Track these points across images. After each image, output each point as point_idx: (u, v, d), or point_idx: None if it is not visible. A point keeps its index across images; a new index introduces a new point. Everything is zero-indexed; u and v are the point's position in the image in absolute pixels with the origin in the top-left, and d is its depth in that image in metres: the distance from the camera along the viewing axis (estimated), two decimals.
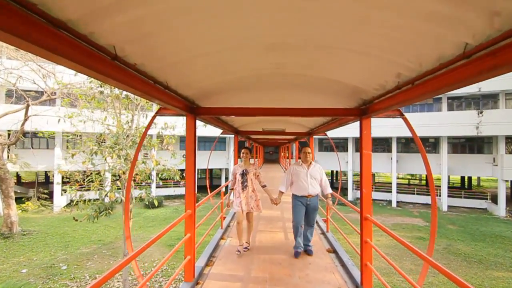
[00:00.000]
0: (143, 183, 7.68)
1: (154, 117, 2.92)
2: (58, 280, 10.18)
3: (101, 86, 7.04)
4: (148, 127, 2.89)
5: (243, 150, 3.85)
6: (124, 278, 7.78)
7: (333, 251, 3.90)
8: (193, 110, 2.91)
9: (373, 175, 28.10)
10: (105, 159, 6.49)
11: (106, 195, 6.23)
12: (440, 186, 21.05)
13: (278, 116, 2.87)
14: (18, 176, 26.80)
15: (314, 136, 7.11)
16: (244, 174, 3.81)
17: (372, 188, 25.08)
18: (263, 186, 3.89)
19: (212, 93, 2.93)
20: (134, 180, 7.34)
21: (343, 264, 3.44)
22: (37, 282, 10.03)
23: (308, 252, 3.80)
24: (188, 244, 2.80)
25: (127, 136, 7.23)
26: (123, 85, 1.66)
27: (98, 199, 6.35)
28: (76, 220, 6.25)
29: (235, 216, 5.13)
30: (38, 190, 19.57)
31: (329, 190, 3.74)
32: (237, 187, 3.83)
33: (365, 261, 2.69)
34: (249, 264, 3.44)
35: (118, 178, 6.94)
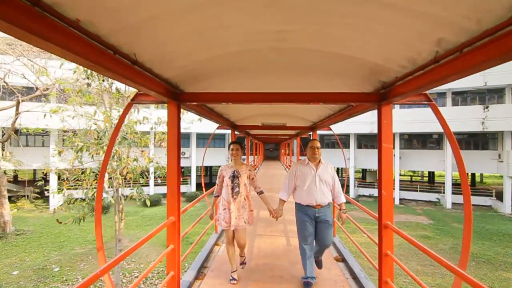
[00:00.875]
0: (140, 181, 7.20)
1: (129, 106, 2.43)
2: (50, 283, 9.77)
3: (88, 78, 6.53)
4: (122, 118, 2.40)
5: (232, 146, 2.92)
6: (116, 284, 7.34)
7: (342, 259, 3.43)
8: (176, 96, 2.41)
9: (375, 172, 27.66)
10: (92, 156, 6.01)
11: (93, 195, 5.76)
12: (443, 183, 20.60)
13: (279, 103, 2.38)
14: (15, 174, 26.40)
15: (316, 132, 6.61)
16: (234, 177, 2.85)
17: (375, 185, 24.78)
18: (260, 193, 2.96)
19: (200, 76, 2.43)
20: (125, 179, 6.87)
21: (354, 277, 2.97)
22: (27, 285, 9.62)
23: (317, 264, 3.02)
24: (171, 257, 2.32)
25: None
26: (60, 49, 1.16)
27: (84, 199, 5.89)
28: (60, 223, 5.80)
29: (223, 235, 3.98)
30: (29, 189, 19.14)
31: (342, 199, 2.83)
32: (225, 195, 2.86)
33: (385, 277, 2.21)
34: (247, 277, 2.97)
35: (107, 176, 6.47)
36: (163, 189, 23.15)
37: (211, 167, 30.64)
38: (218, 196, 3.01)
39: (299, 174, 2.82)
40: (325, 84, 2.60)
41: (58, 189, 6.08)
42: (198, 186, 25.28)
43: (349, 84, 2.52)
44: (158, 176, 7.51)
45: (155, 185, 23.48)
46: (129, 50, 1.65)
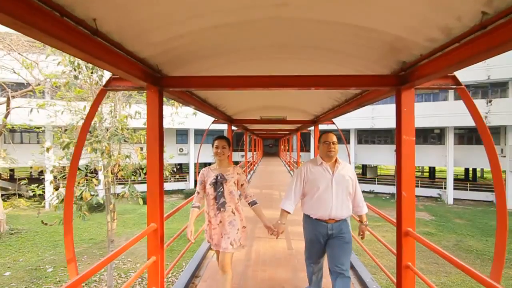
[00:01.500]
0: (133, 179, 6.84)
1: (101, 92, 2.05)
2: (42, 284, 9.47)
3: (74, 70, 6.11)
4: (94, 107, 2.03)
5: (216, 142, 2.19)
6: (109, 286, 7.02)
7: (350, 267, 3.08)
8: (157, 80, 2.04)
9: (375, 167, 27.37)
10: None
11: (80, 194, 5.40)
12: (445, 178, 20.33)
13: (280, 89, 2.00)
14: (11, 173, 26.01)
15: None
16: (218, 184, 2.14)
17: (375, 181, 24.51)
18: (252, 204, 2.22)
19: (185, 56, 2.05)
20: (116, 177, 6.50)
21: None
22: (19, 287, 9.33)
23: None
24: (152, 272, 1.96)
25: (107, 128, 6.35)
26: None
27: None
28: (46, 224, 5.45)
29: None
30: (20, 188, 18.80)
31: (364, 210, 2.20)
32: (207, 207, 2.19)
33: None
34: (243, 286, 2.63)
35: (95, 175, 6.11)
36: (165, 186, 22.80)
37: (209, 163, 30.31)
38: (197, 207, 2.24)
39: (310, 178, 2.08)
40: (332, 68, 2.22)
41: (38, 188, 5.69)
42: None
43: (361, 67, 2.14)
44: None
45: (165, 180, 23.16)
46: (85, 14, 1.27)
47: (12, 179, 24.56)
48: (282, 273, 2.93)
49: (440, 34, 1.51)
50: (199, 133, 24.91)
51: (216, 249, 2.16)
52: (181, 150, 24.10)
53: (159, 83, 2.03)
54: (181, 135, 24.84)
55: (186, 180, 24.85)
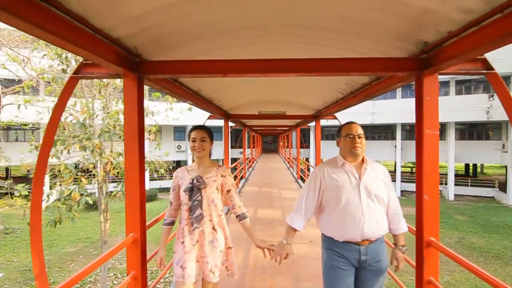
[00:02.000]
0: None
1: (71, 81, 1.75)
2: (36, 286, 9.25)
3: (62, 63, 5.78)
4: (63, 97, 1.73)
5: (193, 134, 1.67)
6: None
7: None
8: (135, 66, 1.74)
9: None
10: (68, 151, 5.34)
11: (69, 194, 5.12)
12: (446, 174, 20.15)
13: (281, 75, 1.70)
14: (7, 170, 25.71)
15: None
16: (194, 190, 1.61)
17: None
18: (240, 218, 1.70)
19: (168, 37, 1.75)
20: (109, 175, 6.21)
21: None
22: None
23: None
24: None
25: (98, 124, 6.05)
26: None
27: (59, 199, 5.24)
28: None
29: None
30: (11, 187, 18.55)
31: (403, 227, 1.59)
32: (182, 220, 1.64)
33: None
34: None
35: (86, 173, 5.81)
36: (159, 184, 22.53)
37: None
38: (170, 224, 1.69)
39: (329, 185, 1.53)
40: (338, 53, 1.92)
41: (26, 189, 5.41)
42: None
43: (368, 50, 1.84)
44: (155, 171, 6.87)
45: (150, 179, 22.87)
46: None
47: (8, 177, 24.27)
48: (283, 282, 2.67)
49: (479, 1, 1.21)
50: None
51: (189, 282, 1.52)
52: (179, 147, 23.81)
53: (138, 69, 1.73)
54: (179, 132, 24.53)
55: None
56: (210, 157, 1.77)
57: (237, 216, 1.69)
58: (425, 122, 1.63)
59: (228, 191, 1.70)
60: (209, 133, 1.71)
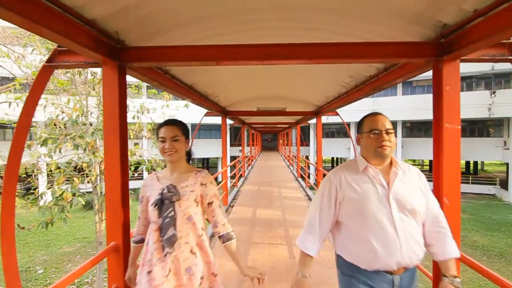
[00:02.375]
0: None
1: (44, 70, 1.55)
2: (31, 287, 9.08)
3: None
4: (36, 88, 1.53)
5: (162, 131, 1.29)
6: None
7: None
8: (117, 53, 1.53)
9: None
10: (59, 149, 5.15)
11: (61, 195, 4.93)
12: None
13: (280, 62, 1.49)
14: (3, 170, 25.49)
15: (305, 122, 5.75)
16: (165, 203, 1.24)
17: None
18: (224, 240, 1.31)
19: (158, 22, 1.54)
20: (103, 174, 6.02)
21: None
22: None
23: None
24: None
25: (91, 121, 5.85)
26: None
27: (51, 200, 5.05)
28: (22, 228, 5.00)
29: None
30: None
31: (453, 250, 1.17)
32: (149, 243, 1.27)
33: None
34: None
35: (79, 172, 5.61)
36: None
37: (207, 159, 29.87)
38: (139, 242, 1.37)
39: (348, 195, 1.18)
40: (344, 39, 1.72)
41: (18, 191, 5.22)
42: None
43: (378, 36, 1.64)
44: (152, 169, 6.69)
45: None
46: None
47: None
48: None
49: None
50: (194, 128, 24.38)
51: None
52: None
53: (119, 56, 1.52)
54: None
55: None
56: (189, 160, 1.39)
57: (219, 237, 1.30)
58: (445, 115, 1.43)
59: (209, 203, 1.30)
60: (182, 129, 1.33)
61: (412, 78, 1.87)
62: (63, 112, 5.56)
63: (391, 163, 1.21)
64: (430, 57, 1.48)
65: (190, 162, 1.40)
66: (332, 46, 1.50)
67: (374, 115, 1.22)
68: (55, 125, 5.28)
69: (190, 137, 1.38)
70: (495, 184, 20.36)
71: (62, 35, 1.24)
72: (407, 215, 1.12)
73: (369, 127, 1.19)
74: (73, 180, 5.07)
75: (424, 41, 1.55)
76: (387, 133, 1.16)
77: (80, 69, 6.45)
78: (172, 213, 1.22)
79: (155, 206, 1.23)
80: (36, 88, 1.55)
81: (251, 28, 1.84)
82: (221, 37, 1.87)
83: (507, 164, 19.05)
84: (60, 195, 4.91)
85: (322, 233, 1.22)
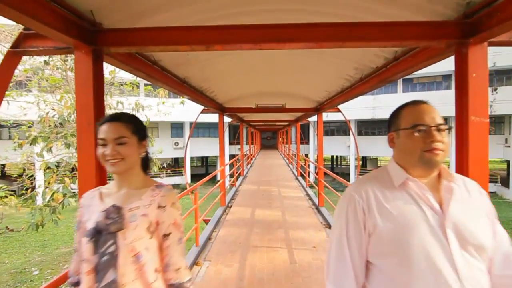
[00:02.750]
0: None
1: (10, 57, 1.35)
2: None
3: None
4: (2, 77, 1.33)
5: (101, 132, 0.87)
6: None
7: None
8: (91, 37, 1.33)
9: (376, 159, 26.86)
10: (50, 148, 4.95)
11: (52, 196, 4.74)
12: None
13: (279, 45, 1.30)
14: (2, 169, 25.27)
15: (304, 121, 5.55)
16: (103, 233, 0.82)
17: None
18: None
19: (138, 2, 1.34)
20: None
21: None
22: None
23: None
24: None
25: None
26: None
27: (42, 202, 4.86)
28: (11, 230, 4.81)
29: (209, 247, 2.41)
30: (11, 184, 18.23)
31: None
32: (83, 285, 0.82)
33: None
34: None
35: (71, 171, 5.42)
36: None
37: (207, 157, 29.68)
38: (77, 284, 0.90)
39: (381, 222, 0.76)
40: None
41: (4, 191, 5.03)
42: (193, 177, 24.38)
43: (395, 17, 1.44)
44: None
45: (153, 176, 22.55)
46: None
47: (3, 176, 23.82)
48: None
49: None
50: (195, 125, 24.15)
51: None
52: (176, 144, 23.39)
53: (94, 40, 1.32)
54: (176, 128, 24.09)
55: (182, 175, 24.27)
56: (146, 170, 0.97)
57: (169, 285, 0.87)
58: (471, 107, 1.24)
59: (165, 235, 0.87)
60: (133, 127, 0.91)
61: (428, 65, 1.66)
62: (54, 110, 5.36)
63: (439, 174, 0.82)
64: (454, 39, 1.28)
65: (149, 172, 0.98)
66: (339, 26, 1.31)
67: (417, 104, 0.84)
68: (45, 122, 5.08)
69: (147, 137, 0.96)
70: (496, 182, 20.23)
71: (26, 15, 1.04)
72: (472, 254, 0.72)
73: (411, 121, 0.80)
74: (65, 180, 4.87)
75: (447, 20, 1.34)
76: (439, 130, 0.77)
77: (73, 65, 6.23)
78: (113, 248, 0.81)
79: (89, 238, 0.82)
80: (1, 77, 1.34)
81: (249, 11, 1.64)
82: (214, 22, 1.67)
83: (508, 162, 18.90)
84: (51, 196, 4.72)
85: (359, 278, 0.80)
